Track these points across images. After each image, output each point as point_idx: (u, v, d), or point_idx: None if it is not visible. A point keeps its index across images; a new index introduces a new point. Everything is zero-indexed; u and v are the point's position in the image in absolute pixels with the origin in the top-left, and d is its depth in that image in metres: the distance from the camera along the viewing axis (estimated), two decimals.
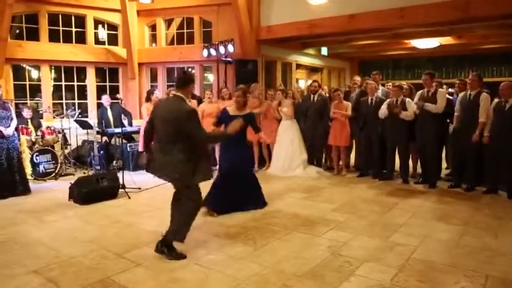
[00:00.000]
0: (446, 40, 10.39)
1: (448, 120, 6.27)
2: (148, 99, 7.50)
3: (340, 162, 7.45)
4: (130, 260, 3.55)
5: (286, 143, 7.32)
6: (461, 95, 6.06)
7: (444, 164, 7.11)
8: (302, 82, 11.96)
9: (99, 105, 9.08)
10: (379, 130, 6.69)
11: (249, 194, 5.11)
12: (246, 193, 5.06)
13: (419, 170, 6.74)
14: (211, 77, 10.45)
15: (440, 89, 6.25)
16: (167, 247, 3.57)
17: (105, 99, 8.06)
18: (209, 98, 7.56)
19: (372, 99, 6.89)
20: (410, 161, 6.81)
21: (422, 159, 6.42)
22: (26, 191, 6.08)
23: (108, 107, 8.02)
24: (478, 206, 5.21)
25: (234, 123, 3.79)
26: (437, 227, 4.40)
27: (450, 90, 7.62)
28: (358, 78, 8.06)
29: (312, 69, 12.58)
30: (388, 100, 6.57)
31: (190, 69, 10.34)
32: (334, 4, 8.14)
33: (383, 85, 7.64)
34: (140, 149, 7.32)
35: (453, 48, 11.22)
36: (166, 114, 3.53)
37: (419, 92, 6.31)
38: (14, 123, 6.08)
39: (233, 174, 4.92)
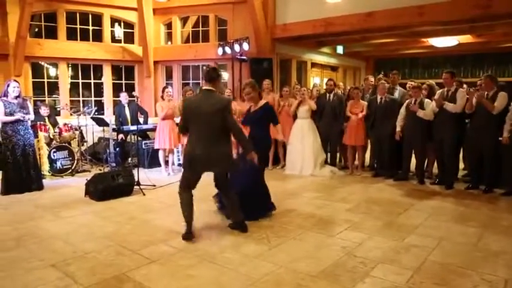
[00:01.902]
0: (465, 38, 10.20)
1: (467, 121, 6.16)
2: (162, 96, 7.56)
3: (356, 162, 7.41)
4: (146, 256, 3.58)
5: (307, 142, 7.27)
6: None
7: (461, 165, 7.00)
8: (317, 81, 11.90)
9: (116, 103, 9.18)
10: (389, 129, 6.63)
11: (255, 200, 4.63)
12: (252, 199, 4.59)
13: (435, 170, 6.66)
14: (226, 75, 10.48)
15: (460, 89, 6.15)
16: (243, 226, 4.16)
17: (124, 97, 8.13)
18: (228, 95, 7.58)
19: (381, 98, 6.83)
20: (426, 161, 6.73)
21: (440, 160, 6.33)
22: (40, 187, 6.20)
23: (126, 105, 8.09)
24: (497, 208, 5.12)
25: (252, 156, 3.99)
26: (455, 229, 4.33)
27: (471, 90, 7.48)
28: (372, 78, 8.00)
29: (328, 68, 12.50)
30: (407, 101, 6.51)
31: (205, 67, 10.38)
32: (350, 2, 8.06)
33: (403, 85, 7.52)
34: (156, 146, 7.38)
35: (472, 46, 10.99)
36: (207, 107, 3.76)
37: (439, 91, 6.25)
38: (31, 118, 6.20)
39: (243, 174, 4.59)
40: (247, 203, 4.34)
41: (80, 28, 9.85)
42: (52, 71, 10.01)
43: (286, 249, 3.75)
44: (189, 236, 3.93)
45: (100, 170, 7.51)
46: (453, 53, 12.03)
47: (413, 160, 6.71)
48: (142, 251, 3.71)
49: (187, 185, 3.97)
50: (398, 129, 6.51)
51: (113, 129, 7.77)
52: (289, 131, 7.46)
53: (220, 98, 3.88)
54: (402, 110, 6.52)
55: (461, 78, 8.32)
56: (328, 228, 4.37)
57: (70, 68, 10.09)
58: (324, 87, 8.49)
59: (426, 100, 6.30)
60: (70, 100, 9.82)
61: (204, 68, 10.29)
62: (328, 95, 7.52)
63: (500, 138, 5.62)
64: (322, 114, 7.48)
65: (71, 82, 10.02)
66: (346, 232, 4.23)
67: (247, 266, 3.38)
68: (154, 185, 6.30)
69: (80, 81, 10.01)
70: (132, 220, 4.68)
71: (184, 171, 3.99)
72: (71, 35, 9.74)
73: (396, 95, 7.13)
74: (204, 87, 3.97)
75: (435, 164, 6.78)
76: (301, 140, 7.30)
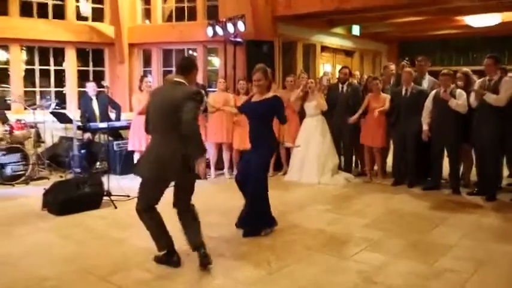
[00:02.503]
0: (510, 16, 10.21)
1: None
2: (140, 87, 7.55)
3: (375, 167, 7.40)
4: (117, 284, 3.55)
5: (314, 144, 7.29)
6: None
7: (506, 172, 7.01)
8: (328, 68, 11.91)
9: (82, 95, 9.15)
10: (416, 127, 6.62)
11: (249, 213, 4.78)
12: (247, 210, 4.80)
13: (473, 178, 6.66)
14: (216, 61, 10.46)
15: (505, 78, 6.13)
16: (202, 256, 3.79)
17: (91, 88, 8.10)
18: (221, 87, 7.65)
19: (406, 89, 6.83)
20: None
21: (479, 165, 6.32)
22: None
23: (94, 97, 8.07)
24: None
25: (199, 165, 3.70)
26: (497, 249, 4.33)
27: None
28: (392, 66, 8.00)
29: (341, 53, 12.51)
30: (433, 91, 6.51)
31: (191, 52, 10.38)
32: None
33: (434, 75, 7.51)
34: (130, 147, 7.35)
35: None
36: (169, 101, 3.67)
37: (478, 81, 6.26)
38: None
39: (244, 183, 4.81)
40: (248, 212, 4.58)
41: (36, 2, 9.80)
42: (1, 55, 9.97)
43: (290, 275, 3.73)
44: (178, 259, 3.86)
45: (61, 177, 7.46)
46: (494, 34, 12.07)
47: (445, 165, 6.71)
48: (113, 277, 3.68)
49: (146, 205, 3.81)
50: (425, 127, 6.50)
51: (78, 127, 7.74)
52: (294, 131, 7.45)
53: (187, 90, 3.70)
54: (428, 103, 6.51)
55: (506, 65, 8.33)
56: (341, 248, 4.36)
57: (24, 52, 10.05)
58: (337, 76, 8.50)
59: (458, 91, 6.30)
60: (24, 91, 9.77)
61: (190, 52, 10.30)
62: (341, 85, 7.52)
63: None
64: (334, 110, 7.48)
65: (26, 69, 9.98)
66: (363, 253, 4.21)
67: None
68: (129, 196, 6.26)
69: (37, 67, 9.97)
70: (100, 239, 4.65)
71: (140, 186, 3.87)
72: (25, 11, 9.67)
73: (425, 85, 7.13)
74: (172, 78, 3.90)
75: (473, 170, 6.79)
76: (306, 141, 7.29)
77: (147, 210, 3.81)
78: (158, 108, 3.75)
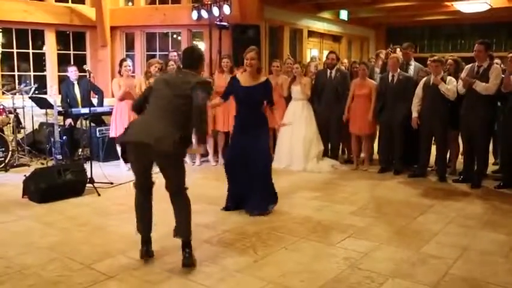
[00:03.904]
0: (499, 2, 10.29)
1: (499, 104, 6.23)
2: (119, 71, 7.49)
3: (362, 154, 7.48)
4: (101, 271, 3.56)
5: (299, 129, 7.33)
6: None
7: (491, 159, 7.12)
8: (315, 53, 11.91)
9: (62, 79, 9.04)
10: (402, 114, 6.69)
11: (257, 193, 5.03)
12: (254, 191, 5.02)
13: (459, 165, 6.77)
14: (201, 46, 10.39)
15: (495, 64, 6.18)
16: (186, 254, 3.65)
17: (72, 72, 8.01)
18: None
19: (393, 75, 6.89)
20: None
21: (467, 152, 6.42)
22: None
23: (75, 82, 7.99)
24: None
25: (194, 150, 3.82)
26: (482, 236, 4.42)
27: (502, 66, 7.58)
28: (382, 55, 8.04)
29: (329, 38, 12.51)
30: (423, 79, 6.57)
31: (175, 36, 10.30)
32: None
33: (420, 60, 7.57)
34: (113, 134, 7.31)
35: (507, 13, 11.10)
36: (176, 84, 3.64)
37: (467, 67, 6.29)
38: None
39: (243, 164, 4.97)
40: (256, 192, 4.94)
41: None
42: None
43: (276, 262, 3.78)
44: (146, 252, 3.76)
45: (42, 164, 7.43)
46: (484, 21, 12.16)
47: (433, 152, 6.80)
48: (97, 264, 3.69)
49: (139, 183, 3.78)
50: (415, 115, 6.57)
51: (59, 113, 7.66)
52: (280, 115, 7.48)
53: (199, 78, 3.74)
54: (418, 91, 6.58)
55: (494, 52, 8.40)
56: (327, 235, 4.41)
57: (1, 34, 9.87)
58: (324, 61, 8.51)
59: (449, 77, 6.37)
60: (1, 75, 9.63)
61: (175, 36, 10.21)
62: (329, 71, 7.54)
63: None
64: (322, 96, 7.51)
65: (3, 52, 9.82)
66: (350, 240, 4.27)
67: (228, 283, 3.39)
68: (112, 183, 6.27)
69: (15, 50, 9.78)
70: (83, 226, 4.65)
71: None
72: None
73: (411, 71, 7.20)
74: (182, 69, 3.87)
75: (459, 157, 6.90)
76: (291, 126, 7.32)
77: (139, 190, 3.78)
78: (161, 89, 3.67)
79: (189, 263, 3.60)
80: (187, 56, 3.85)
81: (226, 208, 5.10)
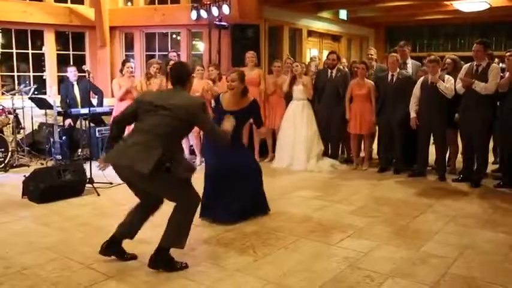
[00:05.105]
0: (499, 1, 10.29)
1: (498, 103, 6.22)
2: (121, 70, 7.50)
3: (362, 154, 7.48)
4: (100, 271, 3.57)
5: (301, 129, 7.33)
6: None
7: (491, 158, 7.12)
8: (315, 53, 11.91)
9: (62, 80, 9.05)
10: (402, 114, 6.69)
11: (249, 199, 4.88)
12: (245, 199, 4.84)
13: (459, 164, 6.76)
14: (201, 46, 10.40)
15: (494, 64, 6.17)
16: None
17: (72, 72, 8.02)
18: (200, 72, 7.49)
19: (392, 75, 6.88)
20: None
21: (466, 151, 6.41)
22: None
23: (75, 82, 8.00)
24: None
25: (227, 125, 3.75)
26: (481, 235, 4.42)
27: (502, 65, 7.59)
28: (372, 51, 8.04)
29: (328, 38, 12.51)
30: (421, 78, 6.57)
31: (174, 36, 10.30)
32: None
33: (419, 59, 7.56)
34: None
35: (507, 12, 11.10)
36: (168, 103, 3.46)
37: (465, 66, 6.28)
38: None
39: (234, 175, 4.73)
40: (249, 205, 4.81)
41: None
42: None
43: (276, 261, 3.78)
44: (107, 248, 3.69)
45: (42, 164, 7.42)
46: (483, 20, 12.16)
47: (431, 151, 6.80)
48: (97, 264, 3.69)
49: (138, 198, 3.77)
50: (413, 115, 6.56)
51: (58, 113, 7.67)
52: (280, 115, 7.50)
53: (196, 101, 3.59)
54: (416, 91, 6.57)
55: (494, 51, 8.40)
56: (327, 235, 4.41)
57: (0, 35, 9.87)
58: (324, 61, 8.50)
59: (447, 76, 6.37)
60: (1, 76, 9.63)
61: (174, 36, 10.21)
62: (330, 71, 7.53)
63: None
64: (322, 95, 7.50)
65: (2, 52, 9.82)
66: (349, 240, 4.27)
67: (227, 283, 3.39)
68: (111, 183, 6.25)
69: (14, 51, 9.81)
70: (82, 226, 4.65)
71: None
72: None
73: (409, 70, 7.19)
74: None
75: (459, 156, 6.89)
76: (293, 126, 7.34)
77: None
78: (154, 110, 3.47)
79: (155, 266, 3.52)
80: (176, 72, 3.70)
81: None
